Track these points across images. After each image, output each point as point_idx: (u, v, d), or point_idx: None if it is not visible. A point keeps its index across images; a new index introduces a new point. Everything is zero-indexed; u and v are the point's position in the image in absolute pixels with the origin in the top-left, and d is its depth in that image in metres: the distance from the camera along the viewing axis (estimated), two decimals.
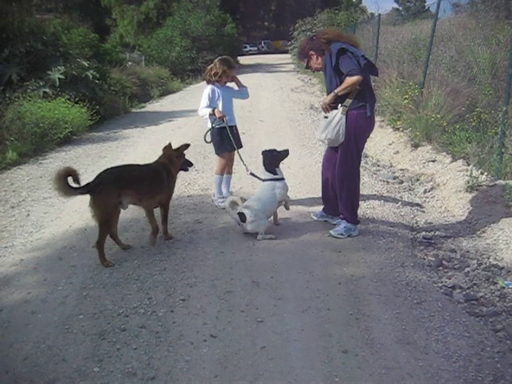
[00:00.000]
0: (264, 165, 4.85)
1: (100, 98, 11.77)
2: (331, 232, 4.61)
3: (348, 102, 4.29)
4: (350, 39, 4.52)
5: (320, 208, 5.09)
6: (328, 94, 4.51)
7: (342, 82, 4.23)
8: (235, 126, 5.43)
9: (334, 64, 4.22)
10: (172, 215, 5.17)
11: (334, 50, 4.22)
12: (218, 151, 5.41)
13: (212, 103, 5.21)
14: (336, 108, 4.36)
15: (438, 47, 8.79)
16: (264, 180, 4.81)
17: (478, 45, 7.81)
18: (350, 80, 4.12)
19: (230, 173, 5.56)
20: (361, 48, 4.64)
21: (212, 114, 5.13)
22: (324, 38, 4.41)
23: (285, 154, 4.91)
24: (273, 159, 4.84)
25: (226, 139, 5.26)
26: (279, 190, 4.72)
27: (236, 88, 5.49)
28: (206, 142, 5.36)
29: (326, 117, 4.43)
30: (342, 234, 4.56)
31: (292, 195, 5.42)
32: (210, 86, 5.27)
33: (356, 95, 4.27)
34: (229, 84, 5.44)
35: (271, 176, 4.78)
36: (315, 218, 5.02)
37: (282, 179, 4.83)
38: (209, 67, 5.33)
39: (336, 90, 4.27)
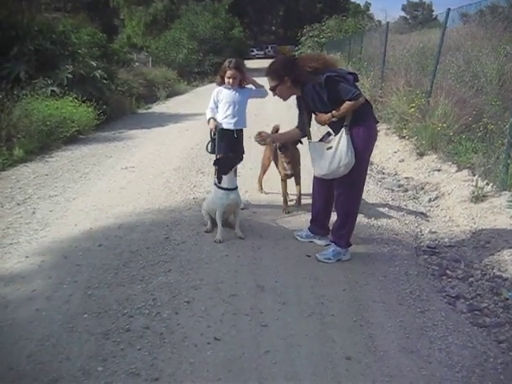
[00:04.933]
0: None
1: (107, 97, 11.82)
2: (317, 256, 4.26)
3: (348, 119, 3.90)
4: (331, 61, 4.21)
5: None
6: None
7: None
8: (241, 130, 5.32)
9: (328, 96, 3.85)
10: (178, 217, 5.21)
11: (321, 82, 3.83)
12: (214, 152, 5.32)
13: (216, 105, 5.22)
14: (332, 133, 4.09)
15: (446, 56, 8.79)
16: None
17: (485, 55, 7.82)
18: (353, 103, 3.78)
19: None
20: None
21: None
22: (310, 67, 3.93)
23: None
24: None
25: (221, 143, 5.15)
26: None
27: (254, 88, 5.36)
28: (208, 152, 5.28)
29: (329, 147, 4.00)
30: (329, 259, 4.19)
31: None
32: (216, 88, 5.27)
33: (354, 113, 3.89)
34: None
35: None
36: (300, 240, 4.67)
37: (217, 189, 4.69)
38: None
39: (335, 114, 3.88)
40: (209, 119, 5.17)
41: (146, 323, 3.23)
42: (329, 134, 4.22)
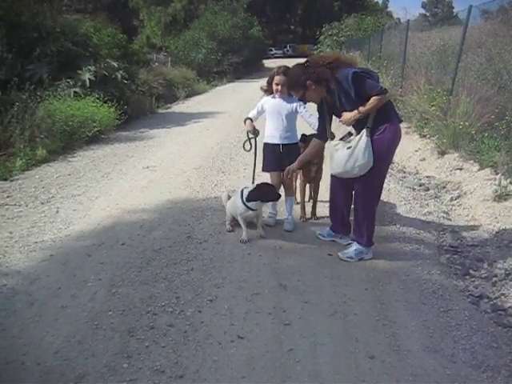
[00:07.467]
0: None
1: (128, 98, 11.91)
2: (339, 254, 4.25)
3: (370, 121, 3.89)
4: (352, 61, 4.21)
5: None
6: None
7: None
8: (293, 145, 4.90)
9: (355, 92, 3.79)
10: (199, 216, 5.25)
11: (347, 77, 3.78)
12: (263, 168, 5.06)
13: (259, 113, 4.96)
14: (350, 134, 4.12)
15: (467, 54, 8.70)
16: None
17: (508, 52, 7.72)
18: (380, 98, 3.77)
19: (287, 195, 5.05)
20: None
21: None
22: (323, 62, 3.93)
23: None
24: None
25: (265, 157, 4.96)
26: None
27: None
28: (245, 149, 5.05)
29: (349, 147, 3.97)
30: (351, 258, 4.18)
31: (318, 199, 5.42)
32: (264, 97, 4.99)
33: (377, 112, 3.90)
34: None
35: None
36: (322, 239, 4.65)
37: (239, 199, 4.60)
38: None
39: (361, 110, 3.84)
40: (245, 120, 4.92)
41: (170, 321, 3.26)
42: (350, 134, 4.20)
